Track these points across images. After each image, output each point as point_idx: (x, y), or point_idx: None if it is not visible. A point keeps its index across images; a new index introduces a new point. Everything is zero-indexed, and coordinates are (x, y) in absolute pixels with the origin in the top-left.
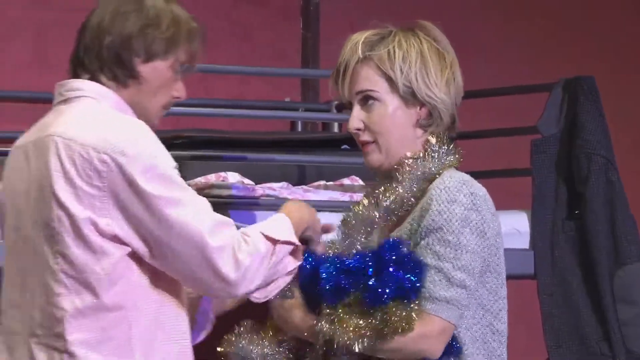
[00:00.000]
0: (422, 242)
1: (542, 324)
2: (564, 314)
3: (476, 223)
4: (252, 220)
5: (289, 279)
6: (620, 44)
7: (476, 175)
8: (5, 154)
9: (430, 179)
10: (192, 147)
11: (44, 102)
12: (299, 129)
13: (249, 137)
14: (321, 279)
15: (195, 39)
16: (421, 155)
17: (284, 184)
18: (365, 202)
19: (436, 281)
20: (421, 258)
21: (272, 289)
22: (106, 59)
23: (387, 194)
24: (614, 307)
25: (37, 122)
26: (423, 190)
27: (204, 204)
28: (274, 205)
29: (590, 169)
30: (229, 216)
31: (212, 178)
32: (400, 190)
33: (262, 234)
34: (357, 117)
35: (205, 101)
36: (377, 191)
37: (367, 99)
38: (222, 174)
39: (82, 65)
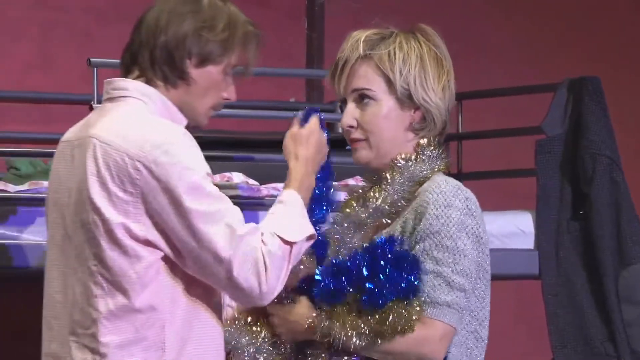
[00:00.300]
0: (418, 246)
1: (547, 325)
2: (569, 314)
3: (472, 228)
4: (256, 221)
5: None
6: (625, 45)
7: (481, 175)
8: (13, 154)
9: (420, 181)
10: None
11: (48, 102)
12: None
13: (254, 138)
14: (315, 281)
15: (251, 43)
16: (412, 157)
17: None
18: (354, 203)
19: (436, 286)
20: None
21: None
22: (158, 58)
23: (377, 195)
24: (619, 308)
25: (85, 117)
26: (412, 192)
27: (234, 215)
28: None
29: (595, 169)
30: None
31: (216, 178)
32: (390, 192)
33: (279, 237)
34: (350, 115)
35: None
36: (362, 191)
37: (362, 97)
38: (227, 174)
39: (134, 61)
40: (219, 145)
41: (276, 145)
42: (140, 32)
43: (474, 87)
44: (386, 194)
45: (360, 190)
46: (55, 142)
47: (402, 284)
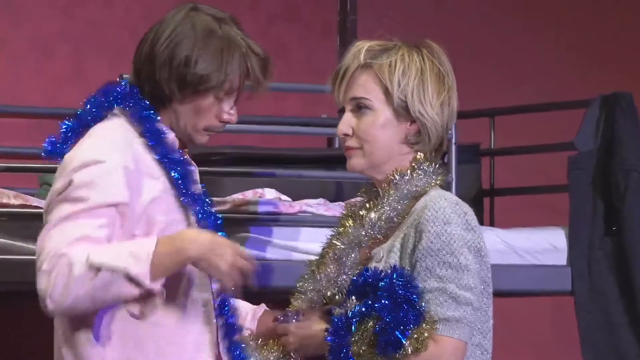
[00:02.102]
0: (420, 264)
1: (580, 340)
2: (602, 330)
3: (473, 242)
4: (288, 237)
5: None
6: None
7: (514, 191)
8: (45, 170)
9: (416, 196)
10: (228, 163)
11: None
12: (336, 145)
13: (286, 154)
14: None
15: (247, 69)
16: (408, 172)
17: (320, 200)
18: (350, 221)
19: (442, 302)
20: (422, 282)
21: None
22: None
23: (373, 212)
24: None
25: None
26: (409, 207)
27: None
28: (311, 221)
29: (627, 185)
30: (259, 232)
31: (249, 194)
32: (386, 208)
33: (89, 258)
34: (347, 123)
35: (242, 118)
36: (358, 207)
37: (360, 106)
38: (259, 190)
39: (137, 79)
40: (251, 161)
41: (309, 161)
42: (142, 50)
43: (507, 103)
44: (382, 210)
45: (357, 206)
46: None
47: (411, 321)
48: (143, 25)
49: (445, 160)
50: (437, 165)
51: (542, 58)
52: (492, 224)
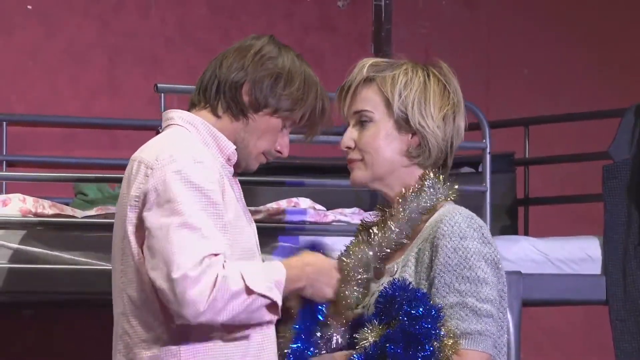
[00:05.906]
0: (438, 280)
1: (614, 350)
2: (636, 339)
3: (489, 255)
4: (322, 246)
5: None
6: None
7: (548, 200)
8: (80, 180)
9: (426, 212)
10: (264, 172)
11: (116, 128)
12: None
13: (321, 163)
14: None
15: (318, 110)
16: (417, 188)
17: (355, 209)
18: (360, 239)
19: (463, 317)
20: (442, 298)
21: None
22: (227, 91)
23: (383, 230)
24: None
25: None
26: (420, 223)
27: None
28: (345, 231)
29: None
30: (297, 242)
31: (283, 203)
32: (395, 225)
33: (242, 277)
34: (349, 136)
35: None
36: (372, 224)
37: (362, 119)
38: (294, 199)
39: (204, 93)
40: (286, 170)
41: (343, 170)
42: (218, 64)
43: (541, 112)
44: (391, 227)
45: (370, 223)
46: (122, 167)
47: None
48: (178, 35)
49: (480, 169)
50: (446, 183)
51: (577, 67)
52: (526, 233)
